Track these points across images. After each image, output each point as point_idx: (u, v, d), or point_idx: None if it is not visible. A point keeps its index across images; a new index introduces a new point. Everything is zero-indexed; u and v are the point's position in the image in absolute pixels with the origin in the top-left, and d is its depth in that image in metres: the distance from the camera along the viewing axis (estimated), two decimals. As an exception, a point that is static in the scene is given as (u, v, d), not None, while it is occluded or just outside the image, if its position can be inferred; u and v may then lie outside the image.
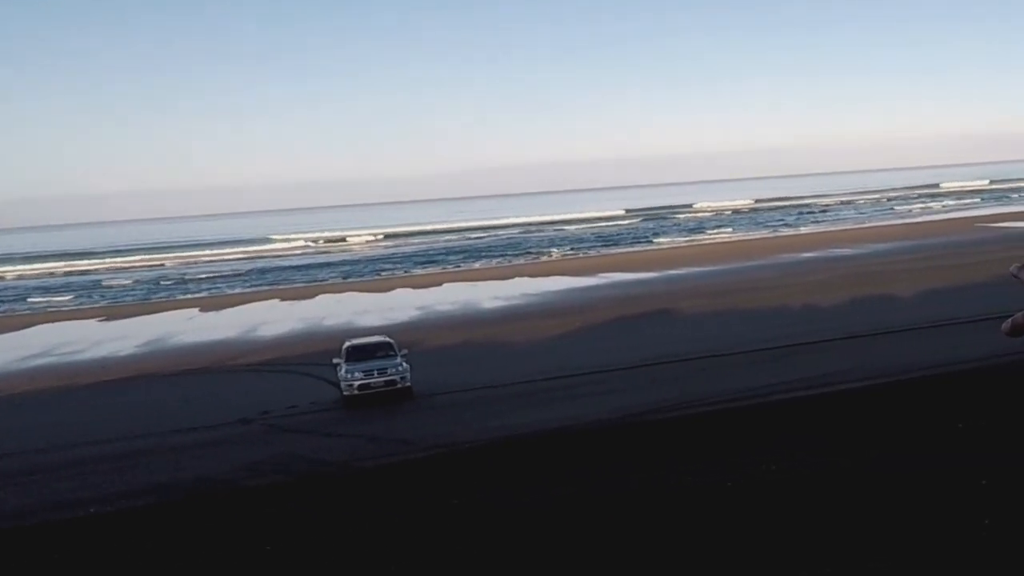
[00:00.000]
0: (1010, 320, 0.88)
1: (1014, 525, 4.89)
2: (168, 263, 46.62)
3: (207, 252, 52.26)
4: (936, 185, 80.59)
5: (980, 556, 4.60)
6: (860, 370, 10.49)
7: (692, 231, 47.17)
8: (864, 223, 41.73)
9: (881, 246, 27.12)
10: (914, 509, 5.47)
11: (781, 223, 48.10)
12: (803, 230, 41.49)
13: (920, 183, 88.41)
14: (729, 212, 62.86)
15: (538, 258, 36.34)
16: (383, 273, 32.63)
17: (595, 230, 52.81)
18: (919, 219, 41.97)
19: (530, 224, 60.57)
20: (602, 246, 41.05)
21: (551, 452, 8.22)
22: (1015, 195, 59.46)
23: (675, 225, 53.63)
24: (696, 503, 6.14)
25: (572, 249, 40.39)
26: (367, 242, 55.36)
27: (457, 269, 33.21)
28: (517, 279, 25.92)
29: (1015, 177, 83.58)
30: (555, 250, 40.03)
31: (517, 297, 21.49)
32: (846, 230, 37.76)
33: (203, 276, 36.12)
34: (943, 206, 51.56)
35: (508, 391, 11.28)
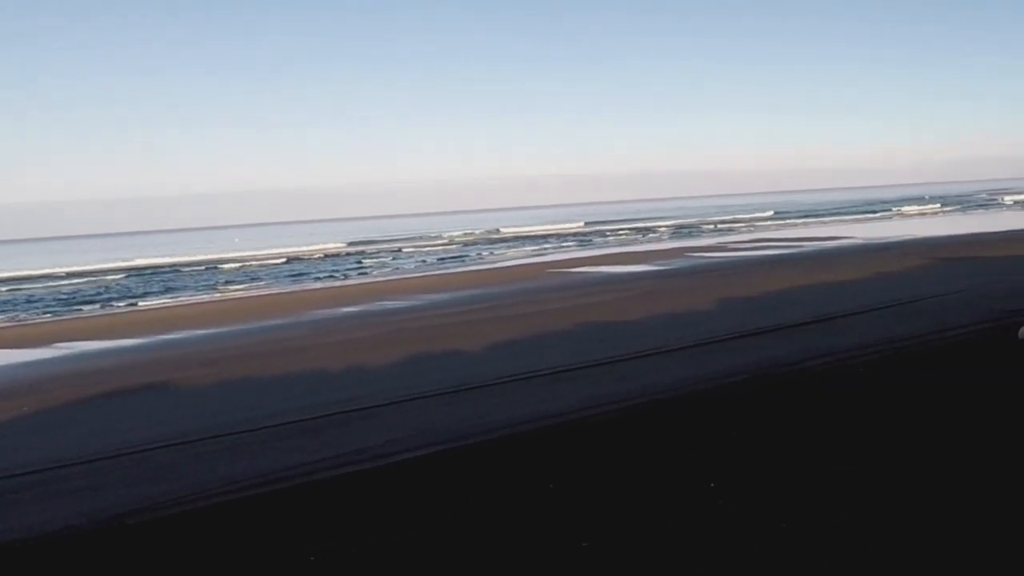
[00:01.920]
0: None
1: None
2: None
3: None
4: (496, 230, 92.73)
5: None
6: (420, 436, 10.58)
7: (211, 287, 45.96)
8: (421, 272, 44.75)
9: (440, 296, 28.82)
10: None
11: (325, 274, 49.27)
12: (348, 281, 42.94)
13: (480, 227, 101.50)
14: (254, 264, 63.53)
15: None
16: None
17: (55, 288, 49.09)
18: (484, 266, 46.34)
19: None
20: (65, 309, 38.11)
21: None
22: (599, 238, 70.18)
23: (174, 279, 52.12)
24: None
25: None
26: None
27: None
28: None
29: (604, 219, 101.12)
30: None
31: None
32: (397, 280, 40.01)
33: None
34: (510, 252, 58.18)
35: None
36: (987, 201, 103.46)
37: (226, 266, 62.85)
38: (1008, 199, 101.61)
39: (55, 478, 10.19)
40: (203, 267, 63.50)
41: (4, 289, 53.10)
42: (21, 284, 56.99)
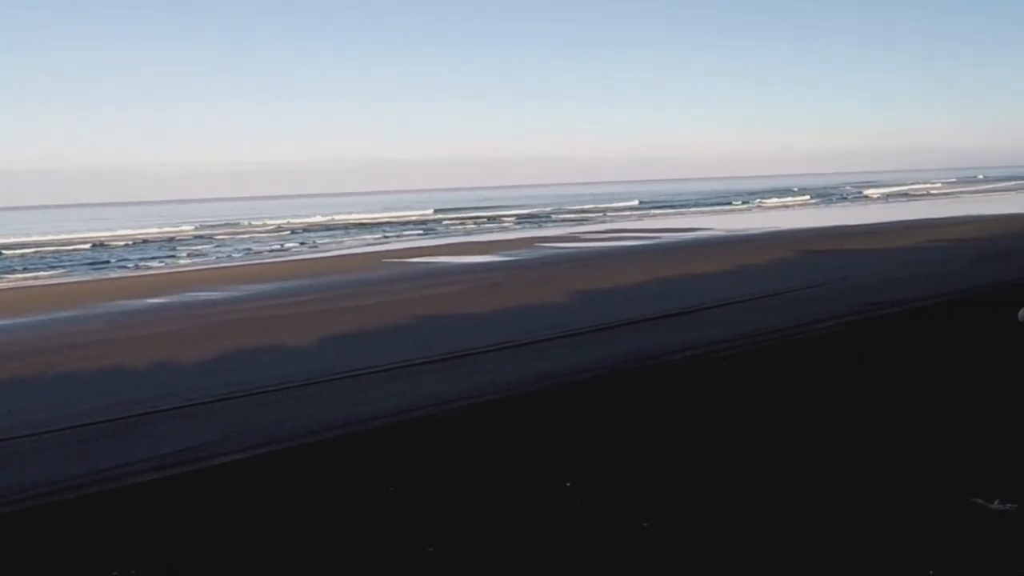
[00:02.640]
0: None
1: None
2: None
3: None
4: (331, 217, 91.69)
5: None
6: (238, 438, 10.38)
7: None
8: (244, 260, 43.80)
9: (263, 287, 28.31)
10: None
11: (131, 264, 47.59)
12: (160, 270, 41.66)
13: (315, 213, 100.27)
14: (49, 250, 60.82)
15: None
16: None
17: None
18: (315, 255, 45.75)
19: None
20: None
21: None
22: (442, 227, 70.21)
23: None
24: None
25: None
26: None
27: None
28: None
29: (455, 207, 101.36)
30: None
31: None
32: (216, 268, 39.11)
33: None
34: (347, 240, 57.60)
35: None
36: (852, 193, 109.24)
37: (12, 252, 59.89)
38: (872, 192, 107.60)
39: None
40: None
41: None
42: None
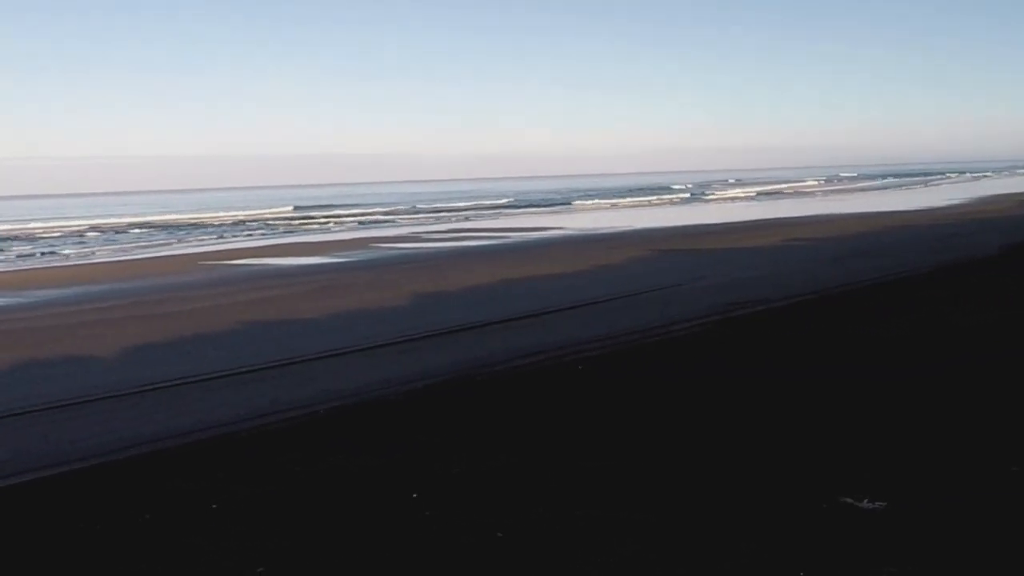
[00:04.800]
0: None
1: None
2: None
3: None
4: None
5: None
6: (20, 461, 9.94)
7: None
8: (35, 264, 42.14)
9: (63, 292, 27.23)
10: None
11: None
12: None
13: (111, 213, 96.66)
14: None
15: None
16: None
17: None
18: (122, 258, 44.25)
19: None
20: None
21: None
22: (267, 228, 68.60)
23: None
24: None
25: None
26: None
27: None
28: None
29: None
30: None
31: None
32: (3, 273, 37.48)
33: None
34: (156, 240, 55.89)
35: None
36: (716, 192, 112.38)
37: None
38: (741, 191, 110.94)
39: None
40: None
41: None
42: None
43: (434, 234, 49.98)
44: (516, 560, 6.24)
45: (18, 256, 49.18)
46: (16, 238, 66.33)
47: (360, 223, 70.26)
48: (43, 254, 49.86)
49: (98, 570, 6.61)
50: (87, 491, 8.61)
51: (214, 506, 7.75)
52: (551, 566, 6.12)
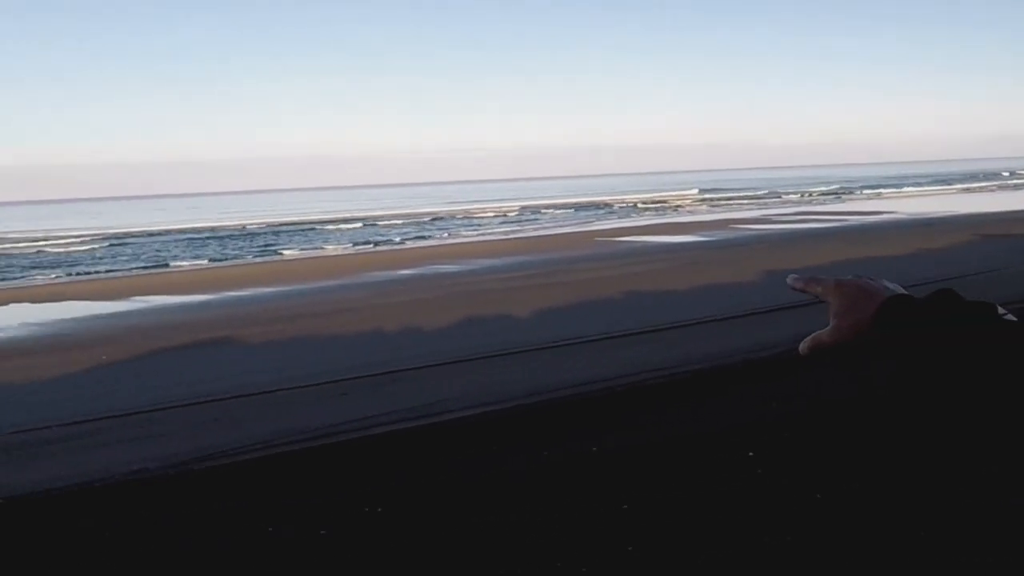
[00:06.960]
0: (810, 338, 1.07)
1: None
2: None
3: None
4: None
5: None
6: (471, 396, 10.64)
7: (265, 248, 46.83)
8: (472, 237, 44.86)
9: (493, 262, 28.77)
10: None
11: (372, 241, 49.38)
12: (404, 246, 43.24)
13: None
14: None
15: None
16: None
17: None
18: (533, 233, 46.22)
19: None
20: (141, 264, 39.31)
21: None
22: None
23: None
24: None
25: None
26: None
27: None
28: (13, 305, 23.85)
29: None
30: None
31: (14, 328, 19.49)
32: (449, 244, 40.20)
33: None
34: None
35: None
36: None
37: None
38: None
39: (127, 424, 10.58)
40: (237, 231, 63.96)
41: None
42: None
43: (783, 216, 48.44)
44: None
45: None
46: (454, 217, 70.56)
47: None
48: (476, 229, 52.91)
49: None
50: (516, 425, 9.28)
51: (594, 449, 8.13)
52: None
